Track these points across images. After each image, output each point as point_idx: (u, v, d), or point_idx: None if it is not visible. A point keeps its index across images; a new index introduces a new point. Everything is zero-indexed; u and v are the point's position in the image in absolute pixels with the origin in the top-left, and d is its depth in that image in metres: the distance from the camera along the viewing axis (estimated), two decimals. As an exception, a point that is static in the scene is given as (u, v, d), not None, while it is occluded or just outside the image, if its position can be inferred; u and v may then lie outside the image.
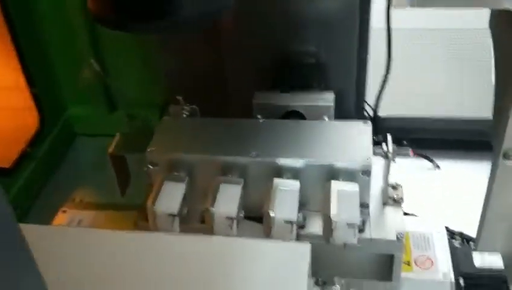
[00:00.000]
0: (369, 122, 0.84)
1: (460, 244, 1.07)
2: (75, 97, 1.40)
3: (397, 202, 0.84)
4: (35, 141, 1.30)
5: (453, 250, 0.94)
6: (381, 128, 1.27)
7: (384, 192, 0.84)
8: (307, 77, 0.99)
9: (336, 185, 0.77)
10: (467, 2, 0.61)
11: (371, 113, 1.30)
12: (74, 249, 0.66)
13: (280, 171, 0.79)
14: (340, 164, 0.78)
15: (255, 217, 0.80)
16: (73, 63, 1.32)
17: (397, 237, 0.79)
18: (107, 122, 1.39)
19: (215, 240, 0.66)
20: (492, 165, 0.71)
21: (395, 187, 0.85)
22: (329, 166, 0.78)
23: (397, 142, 1.30)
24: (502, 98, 0.66)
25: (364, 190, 0.79)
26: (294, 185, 0.78)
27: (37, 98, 1.28)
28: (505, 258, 0.79)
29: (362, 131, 0.83)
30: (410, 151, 0.82)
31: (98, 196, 1.22)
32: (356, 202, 0.76)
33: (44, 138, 1.33)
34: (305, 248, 0.62)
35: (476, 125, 1.29)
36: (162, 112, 1.02)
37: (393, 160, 0.82)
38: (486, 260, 0.91)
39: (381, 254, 0.82)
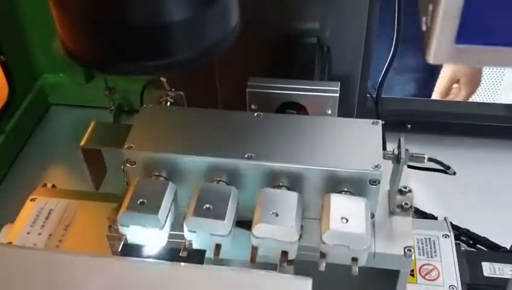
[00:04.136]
0: (380, 122, 0.73)
1: (468, 246, 0.99)
2: (49, 64, 1.28)
3: (405, 210, 0.75)
4: (5, 112, 1.19)
5: (460, 255, 0.86)
6: (384, 110, 1.18)
7: (392, 200, 0.74)
8: (308, 60, 0.88)
9: (337, 199, 0.67)
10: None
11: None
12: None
13: (276, 177, 0.70)
14: (345, 171, 0.68)
15: (244, 221, 0.70)
16: (47, 28, 1.19)
17: (405, 252, 0.70)
18: (84, 91, 1.30)
19: (204, 270, 0.56)
20: None
21: (403, 192, 0.76)
22: (333, 173, 0.68)
23: (400, 124, 1.21)
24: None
25: (372, 199, 0.70)
26: (290, 195, 0.68)
27: (6, 67, 1.16)
28: None
29: (371, 132, 0.73)
30: (425, 158, 0.72)
31: (72, 177, 1.12)
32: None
33: (14, 110, 1.22)
34: (305, 284, 0.53)
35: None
36: (142, 92, 0.91)
37: (406, 165, 0.73)
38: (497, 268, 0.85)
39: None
